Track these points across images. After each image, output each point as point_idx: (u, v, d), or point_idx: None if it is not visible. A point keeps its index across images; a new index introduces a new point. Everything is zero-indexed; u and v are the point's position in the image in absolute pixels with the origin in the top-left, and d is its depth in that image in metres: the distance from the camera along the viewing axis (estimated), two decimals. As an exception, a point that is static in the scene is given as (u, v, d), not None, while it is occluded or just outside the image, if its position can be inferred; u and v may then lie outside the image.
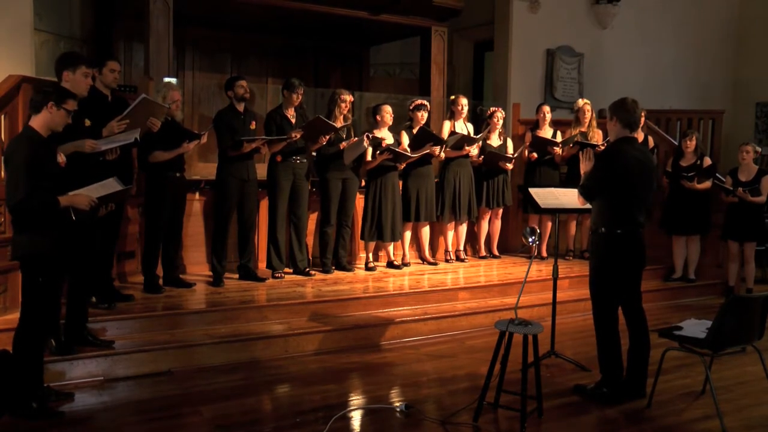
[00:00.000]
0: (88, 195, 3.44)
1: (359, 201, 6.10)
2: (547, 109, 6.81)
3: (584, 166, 4.00)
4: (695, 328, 3.69)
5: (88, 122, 4.03)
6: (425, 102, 6.26)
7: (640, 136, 6.60)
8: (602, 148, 6.10)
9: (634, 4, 8.81)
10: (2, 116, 4.21)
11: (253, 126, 5.41)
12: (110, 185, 3.69)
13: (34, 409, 3.33)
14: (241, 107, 5.35)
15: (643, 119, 6.58)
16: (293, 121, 5.57)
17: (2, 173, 3.96)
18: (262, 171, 5.67)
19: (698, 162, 6.38)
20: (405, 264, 6.28)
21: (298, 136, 5.42)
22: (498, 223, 6.87)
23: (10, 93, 4.21)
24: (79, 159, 3.81)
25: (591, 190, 3.83)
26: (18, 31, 5.14)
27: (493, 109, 6.62)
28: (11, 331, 3.46)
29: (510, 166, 6.63)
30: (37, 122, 3.32)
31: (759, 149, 6.59)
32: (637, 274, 3.89)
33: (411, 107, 6.19)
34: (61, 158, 3.54)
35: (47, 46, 6.21)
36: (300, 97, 5.59)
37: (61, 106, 3.31)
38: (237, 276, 5.54)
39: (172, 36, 6.09)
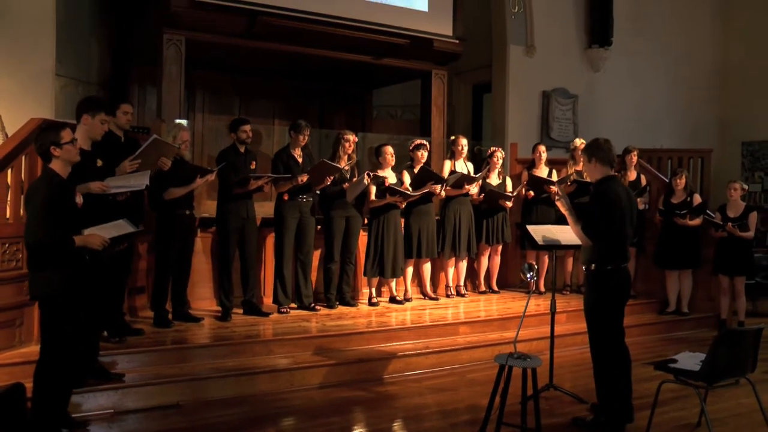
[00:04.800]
0: (101, 235, 3.51)
1: (362, 238, 6.23)
2: (542, 148, 6.98)
3: (562, 205, 3.97)
4: (690, 360, 3.76)
5: (100, 162, 4.14)
6: (424, 142, 6.47)
7: (632, 174, 6.79)
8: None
9: (625, 49, 9.13)
10: (24, 157, 4.37)
11: (252, 166, 5.54)
12: (121, 226, 3.79)
13: None
14: (242, 148, 5.51)
15: (635, 158, 6.78)
16: (300, 160, 5.74)
17: (22, 212, 4.10)
18: (268, 209, 5.81)
19: (688, 199, 6.55)
20: (407, 299, 6.38)
21: (305, 179, 5.58)
22: (497, 259, 6.99)
23: (32, 135, 4.37)
24: (93, 198, 3.91)
25: (602, 233, 3.81)
26: (40, 77, 5.36)
27: (494, 148, 6.79)
28: (26, 364, 3.52)
29: (509, 204, 6.78)
30: (55, 165, 3.42)
31: (746, 186, 6.77)
32: (622, 309, 3.97)
33: (411, 147, 6.40)
34: (79, 199, 3.62)
35: (66, 90, 6.42)
36: (306, 137, 5.77)
37: (61, 144, 3.36)
38: (242, 311, 5.61)
39: (184, 80, 6.33)
